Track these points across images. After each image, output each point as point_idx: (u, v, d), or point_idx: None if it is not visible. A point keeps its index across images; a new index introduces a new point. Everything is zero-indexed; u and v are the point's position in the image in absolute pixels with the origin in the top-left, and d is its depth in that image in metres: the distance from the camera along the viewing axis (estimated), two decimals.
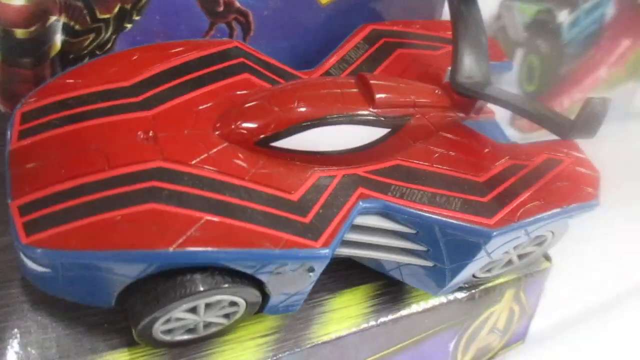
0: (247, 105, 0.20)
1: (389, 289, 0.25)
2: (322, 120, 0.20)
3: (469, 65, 0.24)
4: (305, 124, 0.20)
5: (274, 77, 0.23)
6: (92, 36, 0.24)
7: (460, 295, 0.25)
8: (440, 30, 0.28)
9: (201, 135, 0.20)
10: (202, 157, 0.19)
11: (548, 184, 0.23)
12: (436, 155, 0.22)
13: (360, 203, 0.20)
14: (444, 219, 0.20)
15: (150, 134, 0.19)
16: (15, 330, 0.18)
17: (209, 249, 0.17)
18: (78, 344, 0.19)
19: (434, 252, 0.22)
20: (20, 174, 0.18)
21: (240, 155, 0.19)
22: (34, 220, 0.17)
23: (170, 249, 0.16)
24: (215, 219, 0.17)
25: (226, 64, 0.22)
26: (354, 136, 0.21)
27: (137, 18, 0.25)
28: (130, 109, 0.20)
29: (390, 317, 0.24)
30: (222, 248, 0.17)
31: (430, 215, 0.21)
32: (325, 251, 0.18)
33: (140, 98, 0.20)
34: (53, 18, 0.23)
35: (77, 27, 0.24)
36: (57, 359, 0.18)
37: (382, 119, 0.21)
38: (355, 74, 0.22)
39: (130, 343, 0.19)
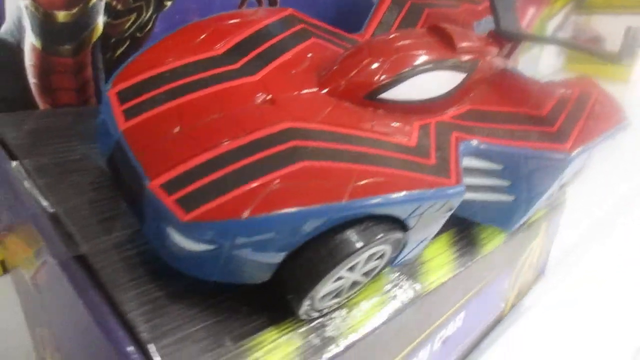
0: (348, 62, 0.20)
1: (464, 234, 0.26)
2: (418, 69, 0.20)
3: (505, 14, 0.25)
4: (405, 73, 0.20)
5: (335, 40, 0.23)
6: (133, 17, 0.22)
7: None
8: None
9: (312, 95, 0.19)
10: (324, 114, 0.18)
11: (591, 112, 0.25)
12: (499, 96, 0.24)
13: (461, 145, 0.21)
14: (530, 149, 0.22)
15: (268, 97, 0.18)
16: (164, 328, 0.16)
17: (378, 196, 0.16)
18: (228, 330, 0.17)
19: (516, 185, 0.23)
20: (146, 153, 0.16)
21: (354, 110, 0.19)
22: (187, 196, 0.15)
23: (344, 201, 0.16)
24: (366, 168, 0.17)
25: (292, 30, 0.22)
26: (442, 82, 0.21)
27: None
28: (235, 76, 0.19)
29: (473, 259, 0.25)
30: (388, 194, 0.17)
31: (518, 148, 0.22)
32: (462, 187, 0.19)
33: (238, 65, 0.19)
34: None
35: (119, 6, 0.22)
36: (215, 349, 0.17)
37: (462, 64, 0.22)
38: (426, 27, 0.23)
39: (272, 321, 0.18)
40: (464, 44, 0.22)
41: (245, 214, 0.15)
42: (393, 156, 0.18)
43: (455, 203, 0.19)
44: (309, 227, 0.16)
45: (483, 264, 0.26)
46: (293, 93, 0.19)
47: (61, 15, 0.20)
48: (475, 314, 0.29)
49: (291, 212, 0.15)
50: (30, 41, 0.20)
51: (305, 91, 0.19)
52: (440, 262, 0.24)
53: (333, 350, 0.18)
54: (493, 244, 0.26)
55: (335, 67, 0.20)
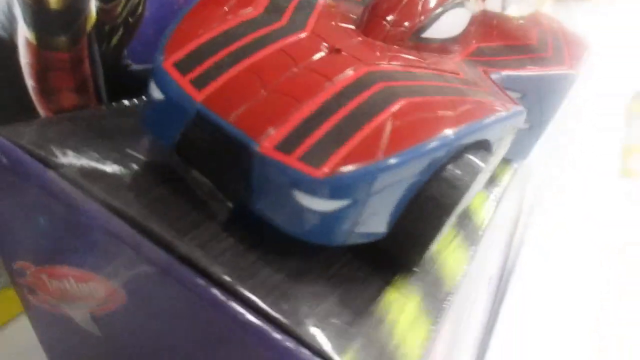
0: (384, 7, 0.19)
1: None
2: (445, 7, 0.20)
3: None
4: (437, 12, 0.20)
5: None
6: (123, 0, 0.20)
7: None
8: None
9: (365, 42, 0.18)
10: (386, 57, 0.18)
11: (566, 39, 0.27)
12: (492, 32, 0.25)
13: (491, 77, 0.21)
14: (547, 72, 0.23)
15: (332, 47, 0.17)
16: (302, 309, 0.14)
17: (479, 120, 0.16)
18: (357, 298, 0.16)
19: (532, 111, 0.24)
20: (242, 118, 0.14)
21: (405, 51, 0.19)
22: (308, 153, 0.14)
23: (463, 126, 0.15)
24: (452, 99, 0.17)
25: None
26: (459, 20, 0.22)
27: None
28: (287, 32, 0.17)
29: None
30: (485, 118, 0.16)
31: (533, 73, 0.23)
32: (523, 108, 0.19)
33: (284, 22, 0.17)
34: None
35: None
36: (356, 320, 0.15)
37: (467, 2, 0.22)
38: None
39: (386, 282, 0.17)
40: None
41: (380, 155, 0.14)
42: (463, 87, 0.18)
43: (520, 124, 0.19)
44: (438, 157, 0.15)
45: None
46: (349, 41, 0.18)
47: (53, 1, 0.17)
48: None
49: (424, 143, 0.14)
50: (24, 35, 0.17)
51: (356, 39, 0.18)
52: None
53: (446, 293, 0.18)
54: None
55: (371, 14, 0.19)
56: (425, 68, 0.18)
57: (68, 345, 0.19)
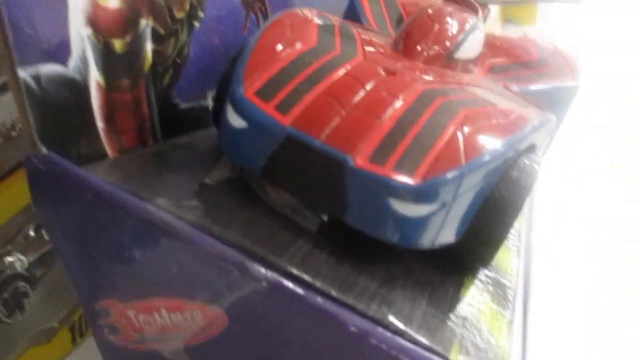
0: (420, 31, 0.21)
1: None
2: (470, 29, 0.22)
3: None
4: (464, 34, 0.22)
5: (360, 26, 0.24)
6: (173, 40, 0.20)
7: None
8: None
9: (409, 64, 0.20)
10: (433, 76, 0.19)
11: (562, 54, 0.29)
12: (498, 50, 0.27)
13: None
14: (555, 85, 0.25)
15: (388, 70, 0.18)
16: (405, 311, 0.15)
17: (530, 124, 0.18)
18: (446, 303, 0.17)
19: None
20: (331, 137, 0.15)
21: (442, 70, 0.20)
22: (399, 163, 0.15)
23: (526, 129, 0.17)
24: (501, 108, 0.18)
25: (336, 19, 0.22)
26: (478, 41, 0.24)
27: (201, 15, 0.22)
28: (345, 59, 0.18)
29: None
30: (532, 123, 0.18)
31: (544, 85, 0.25)
32: (552, 116, 0.21)
33: (338, 50, 0.19)
34: (143, 22, 0.19)
35: (161, 30, 0.20)
36: (438, 314, 0.16)
37: (480, 24, 0.24)
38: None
39: (459, 284, 0.18)
40: (479, 9, 0.25)
41: (462, 160, 0.15)
42: (502, 99, 0.20)
43: (552, 130, 0.21)
44: (507, 159, 0.16)
45: None
46: (397, 64, 0.19)
47: (118, 45, 0.18)
48: None
49: (498, 146, 0.16)
50: (95, 79, 0.17)
51: (401, 62, 0.20)
52: None
53: (508, 287, 0.19)
54: None
55: (408, 39, 0.21)
56: (465, 84, 0.20)
57: None
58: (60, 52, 0.16)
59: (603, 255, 0.41)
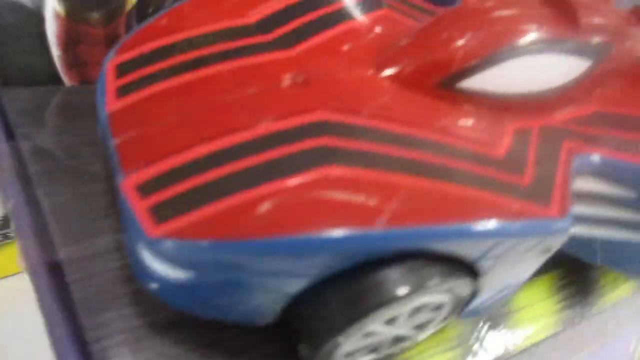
0: (420, 38, 0.15)
1: (574, 278, 0.19)
2: (521, 49, 0.15)
3: None
4: (501, 54, 0.14)
5: (417, 14, 0.18)
6: None
7: None
8: None
9: (363, 77, 0.14)
10: (375, 104, 0.14)
11: None
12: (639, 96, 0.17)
13: (576, 160, 0.15)
14: None
15: (300, 78, 0.14)
16: None
17: (430, 225, 0.11)
18: None
19: None
20: (129, 142, 0.13)
21: (420, 101, 0.14)
22: (165, 203, 0.11)
23: (376, 229, 0.11)
24: (421, 184, 0.12)
25: None
26: (555, 71, 0.15)
27: None
28: (263, 49, 0.14)
29: (585, 312, 0.18)
30: (447, 223, 0.11)
31: None
32: (566, 222, 0.13)
33: (271, 36, 0.15)
34: None
35: None
36: None
37: (587, 47, 0.16)
38: None
39: None
40: (593, 20, 0.16)
41: (227, 235, 0.11)
42: (466, 169, 0.13)
43: (556, 243, 0.13)
44: (323, 261, 0.11)
45: (600, 318, 0.19)
46: (338, 75, 0.14)
47: None
48: None
49: (293, 238, 0.11)
50: (52, 7, 0.17)
51: (355, 73, 0.14)
52: (537, 313, 0.18)
53: None
54: (617, 293, 0.19)
55: (401, 44, 0.15)
56: (431, 130, 0.13)
57: None
58: None
59: None
